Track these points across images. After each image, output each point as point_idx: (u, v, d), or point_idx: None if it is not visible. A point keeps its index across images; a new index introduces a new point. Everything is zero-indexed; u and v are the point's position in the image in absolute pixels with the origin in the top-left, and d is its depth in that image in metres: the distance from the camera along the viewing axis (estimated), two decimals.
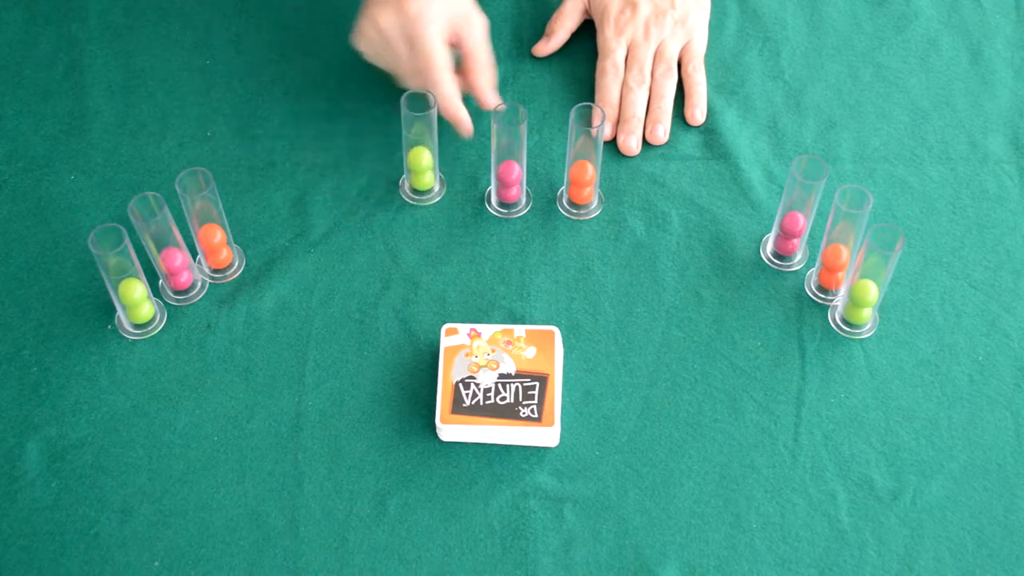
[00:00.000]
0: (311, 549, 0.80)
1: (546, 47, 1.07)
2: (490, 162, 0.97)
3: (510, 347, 0.86)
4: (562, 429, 0.85)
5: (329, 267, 0.93)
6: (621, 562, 0.80)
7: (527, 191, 0.98)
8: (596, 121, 0.91)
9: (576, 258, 0.95)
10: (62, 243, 0.94)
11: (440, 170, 0.98)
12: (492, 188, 0.97)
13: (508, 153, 0.94)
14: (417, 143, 0.94)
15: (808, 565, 0.80)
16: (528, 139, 1.02)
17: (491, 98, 0.97)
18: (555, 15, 1.08)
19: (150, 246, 0.88)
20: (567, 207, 0.97)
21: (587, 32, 1.08)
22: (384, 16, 0.93)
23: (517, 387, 0.84)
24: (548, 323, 0.90)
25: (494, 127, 0.92)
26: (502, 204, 0.97)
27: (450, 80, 0.95)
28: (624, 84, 1.03)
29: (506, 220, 0.97)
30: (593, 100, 1.04)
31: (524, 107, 0.92)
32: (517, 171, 0.95)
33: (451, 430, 0.83)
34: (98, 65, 1.06)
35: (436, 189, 0.98)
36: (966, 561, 0.80)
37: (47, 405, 0.86)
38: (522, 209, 0.97)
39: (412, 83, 0.96)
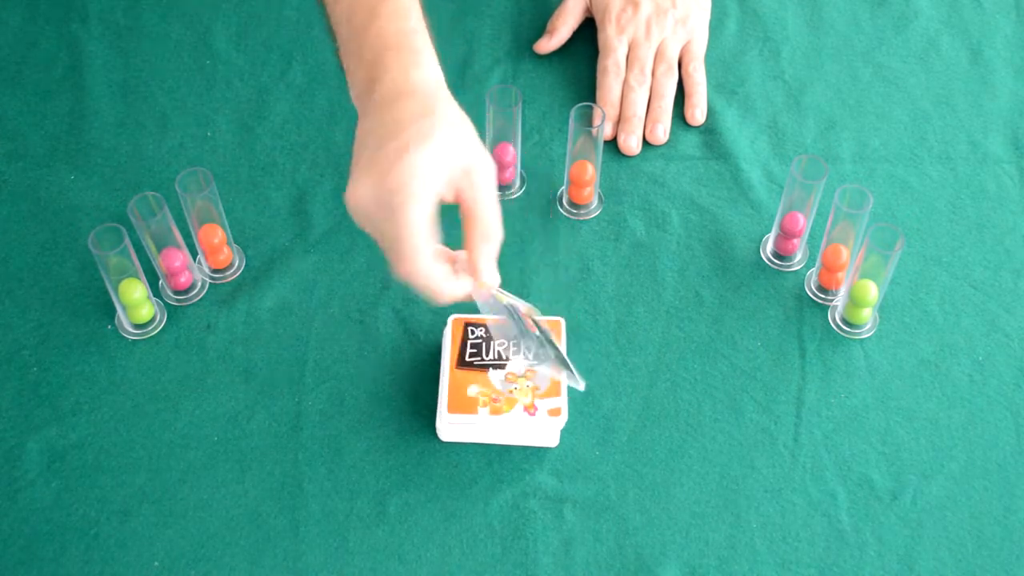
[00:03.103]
0: (311, 549, 0.80)
1: (548, 44, 1.07)
2: (484, 144, 0.97)
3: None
4: (562, 430, 0.85)
5: (329, 267, 0.93)
6: (621, 562, 0.80)
7: (521, 173, 0.98)
8: (596, 121, 0.91)
9: (576, 258, 0.95)
10: (62, 243, 0.94)
11: None
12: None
13: (503, 135, 0.94)
14: None
15: (808, 565, 0.80)
16: (528, 139, 1.02)
17: (487, 274, 0.76)
18: (557, 12, 1.08)
19: (150, 246, 0.88)
20: (567, 207, 0.97)
21: (587, 30, 1.08)
22: (363, 187, 0.72)
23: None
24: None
25: (489, 110, 0.92)
26: (496, 186, 0.98)
27: (426, 264, 0.73)
28: (625, 83, 1.03)
29: (500, 202, 0.97)
30: (593, 99, 1.04)
31: (518, 89, 0.92)
32: (512, 153, 0.95)
33: (453, 423, 0.83)
34: (98, 65, 1.06)
35: None
36: (966, 561, 0.80)
37: (47, 405, 0.86)
38: (516, 191, 0.98)
39: (390, 259, 0.74)
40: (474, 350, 0.84)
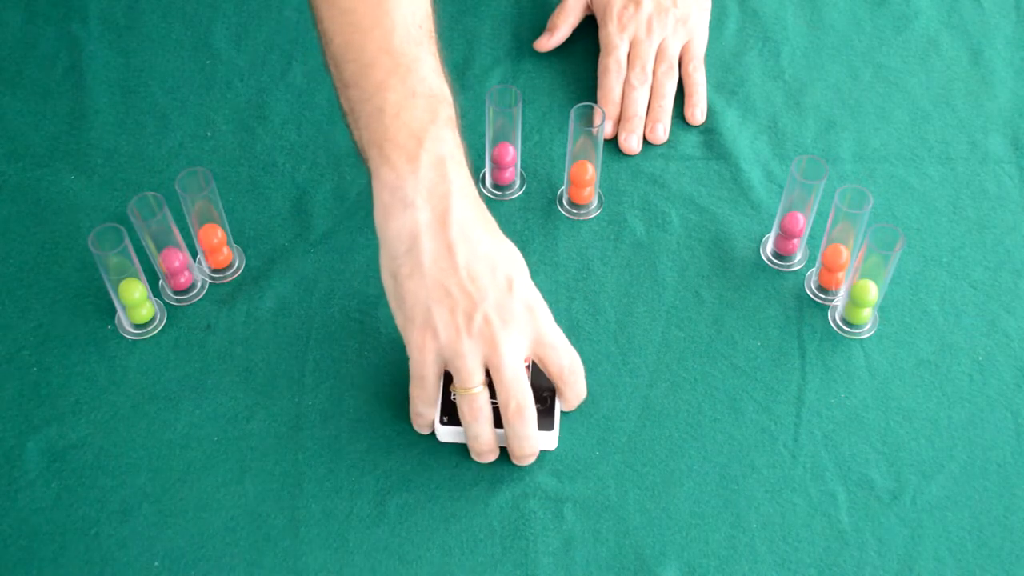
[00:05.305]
0: (311, 549, 0.80)
1: (548, 42, 1.07)
2: (484, 144, 0.97)
3: None
4: (562, 430, 0.85)
5: (329, 267, 0.93)
6: (621, 562, 0.80)
7: (521, 174, 0.98)
8: (596, 121, 0.91)
9: (576, 258, 0.95)
10: (62, 243, 0.94)
11: None
12: (487, 170, 0.97)
13: (503, 135, 0.94)
14: None
15: (808, 565, 0.80)
16: (528, 139, 1.02)
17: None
18: (557, 10, 1.08)
19: (150, 246, 0.88)
20: (567, 207, 0.97)
21: (587, 28, 1.08)
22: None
23: None
24: None
25: (489, 110, 0.92)
26: (496, 186, 0.98)
27: (433, 402, 0.82)
28: (626, 82, 1.03)
29: (500, 202, 0.97)
30: (593, 98, 1.04)
31: (518, 89, 0.92)
32: (512, 153, 0.95)
33: (449, 431, 0.83)
34: (98, 65, 1.06)
35: None
36: (966, 561, 0.80)
37: (47, 405, 0.86)
38: (516, 191, 0.98)
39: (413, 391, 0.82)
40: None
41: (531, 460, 0.82)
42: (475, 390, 0.78)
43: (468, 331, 0.77)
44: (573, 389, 0.83)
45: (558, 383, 0.82)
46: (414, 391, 0.81)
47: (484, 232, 0.80)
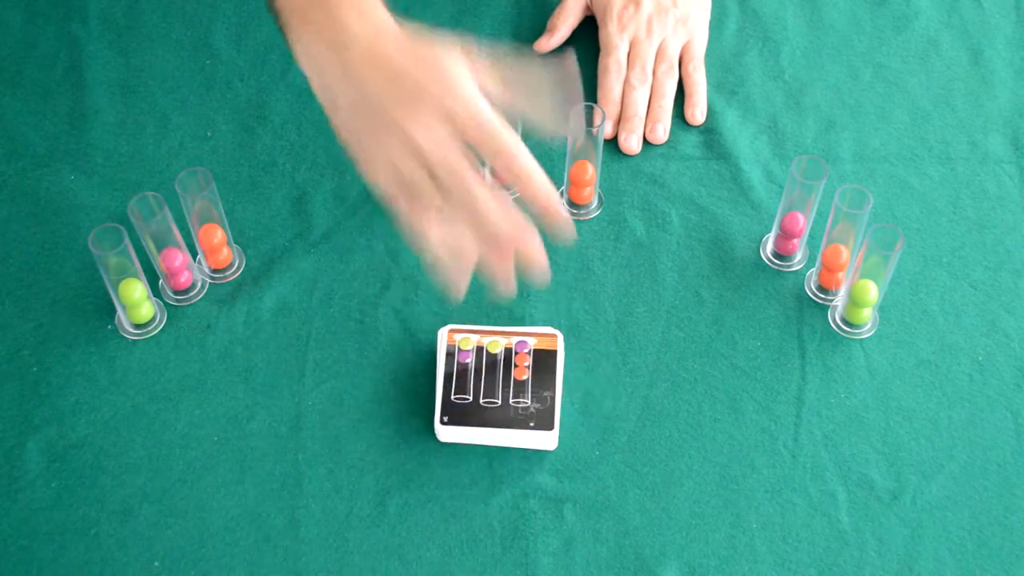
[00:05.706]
0: (311, 549, 0.80)
1: (548, 43, 1.07)
2: None
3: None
4: (562, 430, 0.85)
5: (329, 267, 0.93)
6: (621, 562, 0.80)
7: None
8: (596, 121, 0.91)
9: (576, 258, 0.95)
10: (62, 243, 0.94)
11: None
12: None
13: None
14: None
15: (808, 565, 0.80)
16: (528, 139, 1.01)
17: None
18: (557, 11, 1.08)
19: (150, 246, 0.88)
20: (567, 207, 0.97)
21: (587, 28, 1.08)
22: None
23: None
24: (549, 324, 0.90)
25: None
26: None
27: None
28: (626, 82, 1.03)
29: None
30: (594, 98, 1.04)
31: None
32: None
33: (449, 431, 0.83)
34: (98, 64, 1.06)
35: None
36: (966, 561, 0.80)
37: (47, 405, 0.86)
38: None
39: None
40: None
41: (553, 202, 0.75)
42: (450, 157, 0.74)
43: (419, 124, 0.73)
44: (528, 182, 0.76)
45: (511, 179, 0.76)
46: (408, 210, 0.75)
47: (414, 47, 0.76)
